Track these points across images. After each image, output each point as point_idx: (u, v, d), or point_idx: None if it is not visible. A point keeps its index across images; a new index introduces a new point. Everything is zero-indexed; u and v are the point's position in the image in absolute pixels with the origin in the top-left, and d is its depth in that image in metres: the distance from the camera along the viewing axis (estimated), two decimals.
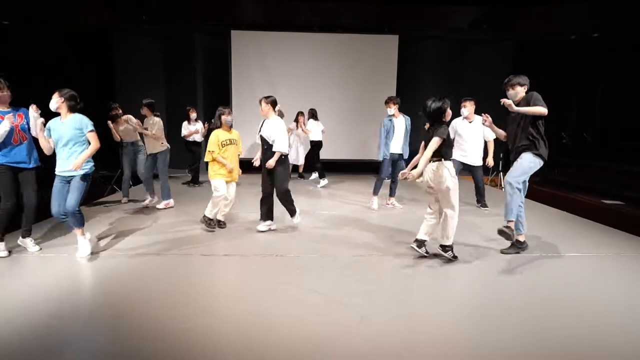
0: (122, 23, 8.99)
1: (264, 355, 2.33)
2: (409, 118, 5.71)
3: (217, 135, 4.64)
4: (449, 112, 3.76)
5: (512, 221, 3.87)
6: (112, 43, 9.46)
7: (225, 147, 4.64)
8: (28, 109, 3.84)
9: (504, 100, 3.68)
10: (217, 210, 4.71)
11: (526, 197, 6.45)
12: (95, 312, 2.87)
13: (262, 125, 4.59)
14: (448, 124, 3.87)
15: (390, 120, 5.63)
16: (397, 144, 5.60)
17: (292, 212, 4.78)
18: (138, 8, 8.59)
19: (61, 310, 2.82)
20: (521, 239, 4.04)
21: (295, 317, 2.77)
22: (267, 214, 4.69)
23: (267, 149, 4.52)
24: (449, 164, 3.67)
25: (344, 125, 9.54)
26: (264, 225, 4.71)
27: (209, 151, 4.60)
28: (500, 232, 3.83)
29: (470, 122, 5.52)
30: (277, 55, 9.47)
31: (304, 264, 3.75)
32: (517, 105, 3.76)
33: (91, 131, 3.75)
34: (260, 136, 4.56)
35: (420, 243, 3.88)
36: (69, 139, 3.66)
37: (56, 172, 3.75)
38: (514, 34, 9.55)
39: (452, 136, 4.26)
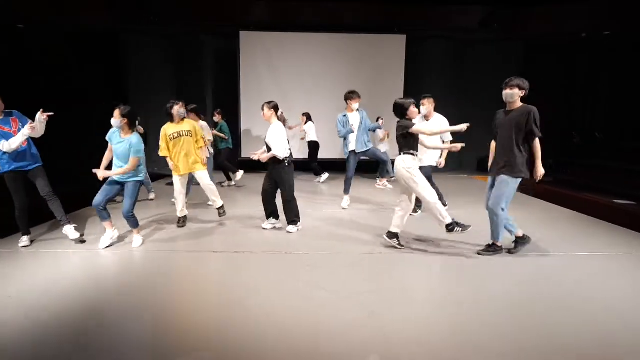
0: (131, 24, 9.09)
1: (275, 347, 2.37)
2: (364, 112, 5.69)
3: (165, 129, 4.67)
4: (413, 110, 3.92)
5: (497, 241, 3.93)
6: (121, 45, 9.60)
7: (174, 140, 4.65)
8: (37, 112, 3.93)
9: (538, 175, 3.65)
10: (180, 207, 4.84)
11: (536, 196, 6.43)
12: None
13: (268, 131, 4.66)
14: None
15: (345, 115, 5.62)
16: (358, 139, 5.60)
17: (291, 221, 4.68)
18: (146, 9, 8.68)
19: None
20: (520, 234, 4.01)
21: (305, 311, 2.80)
22: (272, 213, 4.76)
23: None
24: (405, 157, 3.87)
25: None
26: (268, 224, 4.78)
27: (160, 146, 4.71)
28: (483, 253, 3.93)
29: (428, 121, 5.22)
30: (285, 55, 9.54)
31: (314, 261, 3.78)
32: (512, 111, 3.67)
33: (134, 157, 3.91)
34: (265, 142, 4.59)
35: (391, 235, 4.08)
36: (122, 155, 3.94)
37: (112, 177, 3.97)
38: (520, 33, 9.48)
39: None
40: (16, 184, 3.91)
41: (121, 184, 4.03)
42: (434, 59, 9.89)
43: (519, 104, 3.70)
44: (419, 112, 4.79)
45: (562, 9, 8.44)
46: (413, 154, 3.90)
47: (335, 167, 9.20)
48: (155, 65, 9.68)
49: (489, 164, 4.02)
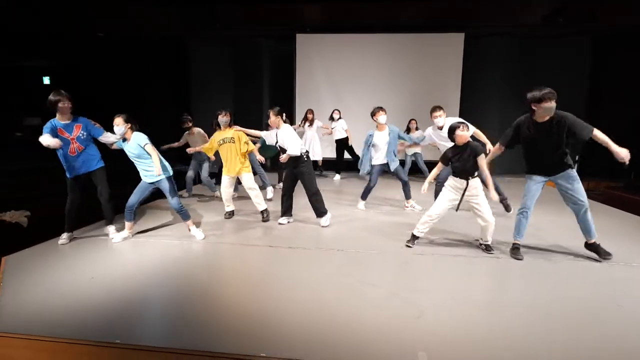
0: (192, 30, 9.64)
1: (325, 339, 2.49)
2: (394, 130, 5.60)
3: (214, 136, 5.21)
4: (458, 134, 3.80)
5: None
6: (183, 51, 10.18)
7: (221, 146, 5.13)
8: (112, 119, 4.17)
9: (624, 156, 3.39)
10: (226, 203, 5.31)
11: (605, 203, 6.07)
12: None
13: (276, 136, 4.90)
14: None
15: (371, 135, 5.61)
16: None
17: (320, 214, 4.90)
18: (208, 15, 9.17)
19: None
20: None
21: (355, 307, 2.90)
22: (287, 210, 5.01)
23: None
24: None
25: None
26: (284, 219, 5.02)
27: (204, 146, 5.29)
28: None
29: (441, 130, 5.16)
30: (340, 57, 9.66)
31: (364, 259, 3.88)
32: (544, 122, 3.57)
33: (149, 146, 4.15)
34: (279, 146, 4.94)
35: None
36: (140, 154, 4.17)
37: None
38: (589, 26, 8.83)
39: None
40: (72, 185, 4.17)
41: (153, 184, 4.28)
42: (493, 57, 9.50)
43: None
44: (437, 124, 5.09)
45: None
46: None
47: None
48: (216, 70, 10.18)
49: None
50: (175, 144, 6.47)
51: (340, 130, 8.47)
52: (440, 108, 5.16)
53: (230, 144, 5.10)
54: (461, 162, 3.81)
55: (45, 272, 3.50)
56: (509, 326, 2.67)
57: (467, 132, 3.81)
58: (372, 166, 5.66)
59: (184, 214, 4.37)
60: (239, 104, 10.14)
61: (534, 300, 3.05)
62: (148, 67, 9.58)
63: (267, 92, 10.41)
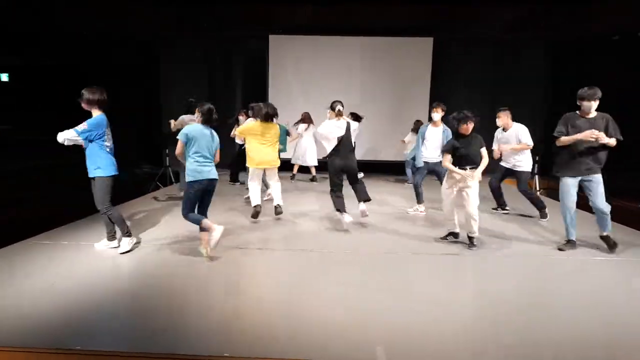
0: (164, 30, 9.52)
1: (284, 336, 2.56)
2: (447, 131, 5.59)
3: (252, 125, 5.15)
4: (464, 127, 4.09)
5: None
6: (157, 48, 10.02)
7: (254, 136, 5.08)
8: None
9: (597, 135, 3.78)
10: (253, 198, 5.20)
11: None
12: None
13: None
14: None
15: (426, 126, 5.78)
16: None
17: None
18: (180, 15, 9.07)
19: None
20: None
21: (319, 305, 2.98)
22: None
23: None
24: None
25: (375, 127, 9.59)
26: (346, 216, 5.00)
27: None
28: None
29: (505, 132, 5.47)
30: (312, 59, 9.73)
31: (336, 259, 3.97)
32: (594, 119, 3.92)
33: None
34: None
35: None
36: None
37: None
38: (555, 34, 9.28)
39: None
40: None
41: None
42: (460, 62, 9.79)
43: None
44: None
45: (597, 8, 8.19)
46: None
47: (371, 168, 9.27)
48: (187, 70, 10.04)
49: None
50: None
51: None
52: (506, 109, 5.45)
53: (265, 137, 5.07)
54: (469, 147, 4.08)
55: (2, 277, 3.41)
56: (466, 321, 2.81)
57: (469, 124, 4.08)
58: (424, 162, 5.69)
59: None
60: (211, 102, 10.00)
61: (497, 295, 3.21)
62: (116, 67, 9.35)
63: (240, 92, 10.35)
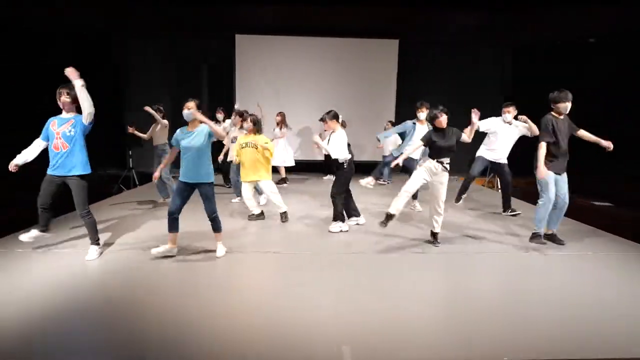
0: (129, 26, 9.26)
1: (250, 337, 2.55)
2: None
3: (238, 139, 5.36)
4: (437, 121, 4.24)
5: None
6: (121, 46, 9.71)
7: (243, 149, 5.18)
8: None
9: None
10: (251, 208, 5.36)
11: (516, 197, 6.58)
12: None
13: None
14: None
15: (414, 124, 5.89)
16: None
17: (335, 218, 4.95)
18: (145, 12, 8.84)
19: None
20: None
21: (285, 307, 2.99)
22: (347, 213, 5.06)
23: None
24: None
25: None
26: (355, 219, 5.18)
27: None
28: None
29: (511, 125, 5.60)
30: (280, 58, 9.70)
31: (299, 260, 3.98)
32: (563, 120, 4.22)
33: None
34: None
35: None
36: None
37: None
38: (514, 39, 9.74)
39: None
40: (45, 184, 3.73)
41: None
42: (426, 64, 10.08)
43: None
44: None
45: (553, 15, 8.66)
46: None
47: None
48: (151, 68, 9.80)
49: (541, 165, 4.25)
50: (144, 135, 6.19)
51: None
52: (511, 104, 5.54)
53: (252, 149, 5.11)
54: (445, 139, 4.20)
55: None
56: (435, 319, 2.90)
57: (444, 116, 4.22)
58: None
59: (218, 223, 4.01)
60: (177, 103, 9.79)
61: (466, 292, 3.32)
62: (75, 63, 8.98)
63: (206, 92, 10.18)
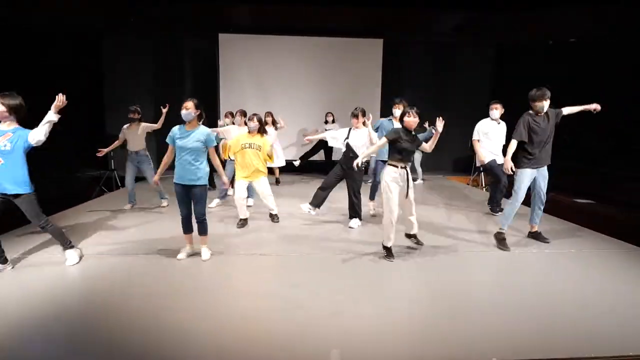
0: (111, 25, 9.04)
1: (235, 340, 2.50)
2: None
3: (238, 137, 5.02)
4: (407, 121, 3.95)
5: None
6: (100, 45, 9.49)
7: (243, 149, 4.89)
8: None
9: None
10: (240, 210, 5.07)
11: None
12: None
13: (348, 134, 5.10)
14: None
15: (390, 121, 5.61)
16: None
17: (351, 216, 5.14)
18: (127, 10, 8.65)
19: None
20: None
21: (271, 309, 2.94)
22: (320, 203, 5.11)
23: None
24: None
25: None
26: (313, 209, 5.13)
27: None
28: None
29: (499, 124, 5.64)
30: (264, 58, 9.60)
31: (285, 262, 3.93)
32: (544, 118, 4.20)
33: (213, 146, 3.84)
34: (347, 144, 5.05)
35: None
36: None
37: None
38: (497, 39, 9.87)
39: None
40: None
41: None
42: (410, 63, 10.13)
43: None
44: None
45: (535, 16, 8.80)
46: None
47: (315, 168, 9.31)
48: (135, 66, 9.60)
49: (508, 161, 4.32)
50: (117, 143, 5.66)
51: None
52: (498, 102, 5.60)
53: (255, 150, 4.89)
54: (411, 143, 3.93)
55: None
56: (425, 318, 2.89)
57: (416, 118, 3.92)
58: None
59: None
60: (159, 102, 9.61)
61: (446, 293, 3.32)
62: (52, 63, 8.72)
63: (190, 90, 10.02)
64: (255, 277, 3.65)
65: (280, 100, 9.58)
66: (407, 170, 3.97)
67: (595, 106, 4.27)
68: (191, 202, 3.83)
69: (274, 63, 9.65)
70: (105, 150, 5.59)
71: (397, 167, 3.92)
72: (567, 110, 4.37)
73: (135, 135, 5.64)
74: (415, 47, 10.10)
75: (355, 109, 5.04)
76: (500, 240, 4.39)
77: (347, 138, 5.06)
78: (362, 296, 3.20)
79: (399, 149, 3.89)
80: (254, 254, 4.11)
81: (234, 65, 9.60)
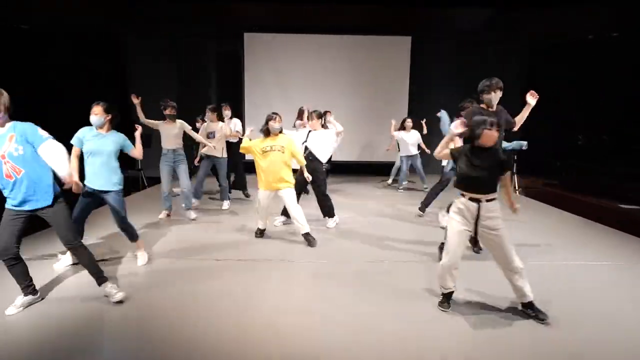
0: (136, 26, 9.16)
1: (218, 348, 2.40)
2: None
3: (256, 141, 4.39)
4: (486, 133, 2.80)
5: None
6: (123, 47, 9.62)
7: (265, 152, 4.30)
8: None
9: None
10: (260, 220, 4.64)
11: (538, 199, 6.35)
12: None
13: (307, 137, 4.96)
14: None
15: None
16: None
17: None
18: (152, 11, 8.73)
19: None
20: None
21: (253, 317, 2.84)
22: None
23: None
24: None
25: (353, 126, 9.48)
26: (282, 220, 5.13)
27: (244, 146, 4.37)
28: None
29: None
30: (288, 57, 9.55)
31: (271, 269, 3.82)
32: (495, 112, 3.67)
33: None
34: (306, 146, 4.92)
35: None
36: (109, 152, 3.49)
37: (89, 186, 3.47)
38: (525, 35, 9.47)
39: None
40: (4, 225, 2.75)
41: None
42: (439, 60, 9.82)
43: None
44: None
45: (568, 11, 8.39)
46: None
47: (345, 169, 9.17)
48: (158, 67, 9.68)
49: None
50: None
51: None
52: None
53: (278, 153, 4.29)
54: (487, 170, 2.72)
55: None
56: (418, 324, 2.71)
57: (496, 134, 2.69)
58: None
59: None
60: (183, 103, 9.68)
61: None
62: (79, 64, 8.87)
63: (215, 91, 10.06)
64: (251, 283, 3.44)
65: (306, 100, 9.47)
66: (480, 206, 2.74)
67: (529, 97, 3.70)
68: (91, 209, 3.55)
69: (300, 62, 9.59)
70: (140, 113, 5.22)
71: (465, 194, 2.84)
72: (519, 118, 3.84)
73: (172, 132, 5.25)
74: (444, 44, 9.76)
75: (313, 111, 4.96)
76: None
77: (306, 141, 4.88)
78: (361, 303, 3.04)
79: (465, 178, 2.82)
80: (243, 260, 3.98)
81: (259, 64, 9.59)
